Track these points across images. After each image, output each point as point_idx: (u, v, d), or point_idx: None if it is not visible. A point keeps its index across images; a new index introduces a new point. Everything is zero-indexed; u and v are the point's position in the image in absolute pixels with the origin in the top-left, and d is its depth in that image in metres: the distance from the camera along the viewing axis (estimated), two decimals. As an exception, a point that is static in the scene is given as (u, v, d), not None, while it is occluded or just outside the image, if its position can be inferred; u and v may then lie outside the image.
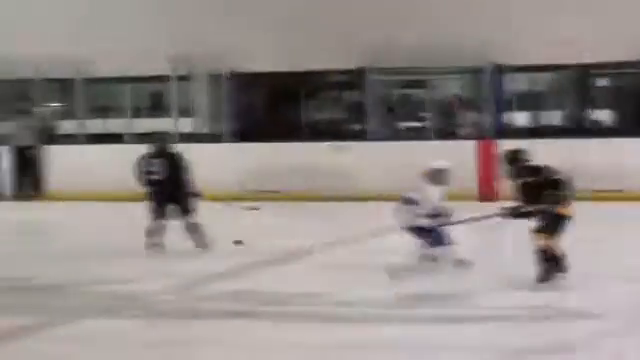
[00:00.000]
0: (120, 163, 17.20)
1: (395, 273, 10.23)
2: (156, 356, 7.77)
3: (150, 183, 12.94)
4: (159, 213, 12.86)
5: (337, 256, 12.51)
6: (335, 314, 9.09)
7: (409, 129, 20.21)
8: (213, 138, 20.07)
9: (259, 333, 8.35)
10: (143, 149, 13.38)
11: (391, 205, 10.97)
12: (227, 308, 9.39)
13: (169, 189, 12.85)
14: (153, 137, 13.64)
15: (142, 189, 13.14)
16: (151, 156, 13.11)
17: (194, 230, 12.81)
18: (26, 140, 20.49)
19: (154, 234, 12.87)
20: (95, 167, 19.31)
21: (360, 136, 19.53)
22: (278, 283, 10.61)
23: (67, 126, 21.33)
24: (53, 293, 10.39)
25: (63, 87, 21.57)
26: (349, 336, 8.16)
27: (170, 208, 12.85)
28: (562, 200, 9.71)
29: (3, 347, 8.13)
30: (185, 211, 12.85)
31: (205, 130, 20.49)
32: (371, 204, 16.87)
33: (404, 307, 9.34)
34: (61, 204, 19.27)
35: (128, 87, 20.97)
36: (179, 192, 12.86)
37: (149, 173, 12.95)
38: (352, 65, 19.50)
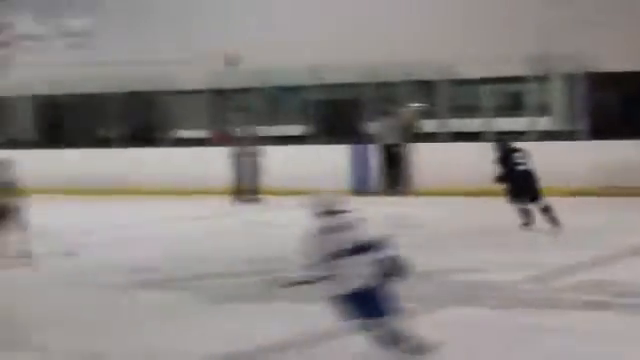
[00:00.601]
0: (480, 160, 17.79)
1: None
2: (509, 343, 8.00)
3: (515, 174, 14.70)
4: (524, 199, 14.65)
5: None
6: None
7: None
8: (568, 136, 20.26)
9: (613, 325, 8.48)
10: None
11: None
12: (583, 299, 9.52)
13: (527, 178, 14.70)
14: (503, 135, 16.00)
15: (500, 181, 14.76)
16: (511, 151, 14.87)
17: (548, 211, 14.38)
18: (392, 139, 21.25)
19: (527, 217, 14.61)
20: (457, 164, 19.98)
21: None
22: (633, 275, 10.71)
23: (430, 125, 22.04)
24: (420, 281, 10.50)
25: (427, 88, 22.32)
26: None
27: (528, 195, 14.54)
28: None
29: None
30: (539, 196, 14.49)
31: (561, 128, 20.69)
32: None
33: None
34: (426, 198, 19.86)
35: (487, 88, 21.42)
36: (533, 180, 14.55)
37: (516, 165, 14.81)
38: None
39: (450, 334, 8.14)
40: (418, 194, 20.54)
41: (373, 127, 21.90)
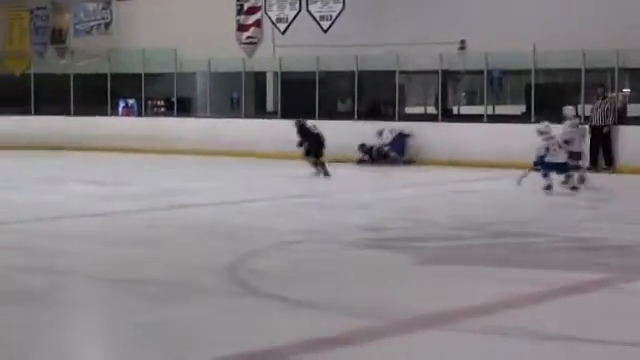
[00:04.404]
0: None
1: None
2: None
3: (310, 138, 19.63)
4: (314, 155, 19.54)
5: None
6: None
7: None
8: None
9: None
10: None
11: None
12: None
13: (318, 140, 19.56)
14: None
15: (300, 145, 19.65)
16: (304, 124, 19.91)
17: (323, 164, 19.23)
18: (601, 120, 21.17)
19: (324, 169, 19.25)
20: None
21: None
22: None
23: (636, 109, 21.89)
24: (622, 252, 10.98)
25: (636, 76, 22.13)
26: None
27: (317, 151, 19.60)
28: None
29: (582, 297, 8.64)
30: (323, 153, 19.55)
31: None
32: None
33: None
34: (630, 176, 19.92)
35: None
36: (320, 142, 19.62)
37: (309, 131, 19.75)
38: None
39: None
40: (623, 172, 20.54)
41: (585, 109, 21.78)
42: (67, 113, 28.84)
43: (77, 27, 30.75)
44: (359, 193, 17.42)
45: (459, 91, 26.30)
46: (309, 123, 20.16)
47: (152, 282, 9.15)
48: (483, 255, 10.80)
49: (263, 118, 26.39)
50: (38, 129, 28.20)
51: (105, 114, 28.43)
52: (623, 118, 21.49)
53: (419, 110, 26.03)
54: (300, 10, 26.31)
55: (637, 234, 12.35)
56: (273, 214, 14.30)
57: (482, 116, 23.01)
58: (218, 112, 26.69)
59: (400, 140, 23.08)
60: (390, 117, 24.31)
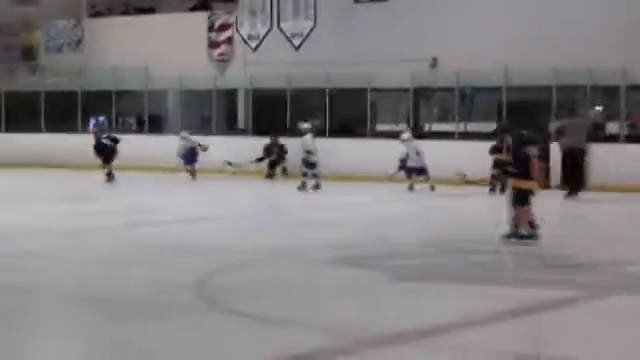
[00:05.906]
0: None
1: None
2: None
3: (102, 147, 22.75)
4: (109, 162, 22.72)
5: None
6: None
7: None
8: None
9: None
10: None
11: None
12: None
13: (104, 149, 22.79)
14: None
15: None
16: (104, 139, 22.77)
17: (110, 175, 22.33)
18: (573, 138, 21.10)
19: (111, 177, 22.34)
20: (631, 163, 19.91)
21: None
22: None
23: (611, 127, 21.98)
24: (590, 270, 11.03)
25: (609, 93, 22.21)
26: None
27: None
28: None
29: (550, 316, 8.59)
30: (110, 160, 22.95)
31: None
32: None
33: None
34: (602, 195, 19.84)
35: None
36: (109, 151, 22.85)
37: (103, 140, 22.82)
38: None
39: (611, 319, 8.39)
40: (595, 190, 20.45)
41: (556, 126, 21.78)
42: (38, 130, 28.72)
43: (48, 44, 30.66)
44: (324, 210, 17.47)
45: (431, 108, 26.31)
46: (110, 137, 22.98)
47: (119, 300, 9.10)
48: (449, 272, 10.79)
49: (235, 135, 26.35)
50: (8, 146, 28.06)
51: (76, 131, 28.33)
52: (597, 136, 21.47)
53: (391, 127, 25.97)
54: (272, 27, 26.33)
55: (603, 252, 12.31)
56: (241, 231, 14.28)
57: (454, 134, 23.06)
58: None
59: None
60: (362, 134, 24.33)
